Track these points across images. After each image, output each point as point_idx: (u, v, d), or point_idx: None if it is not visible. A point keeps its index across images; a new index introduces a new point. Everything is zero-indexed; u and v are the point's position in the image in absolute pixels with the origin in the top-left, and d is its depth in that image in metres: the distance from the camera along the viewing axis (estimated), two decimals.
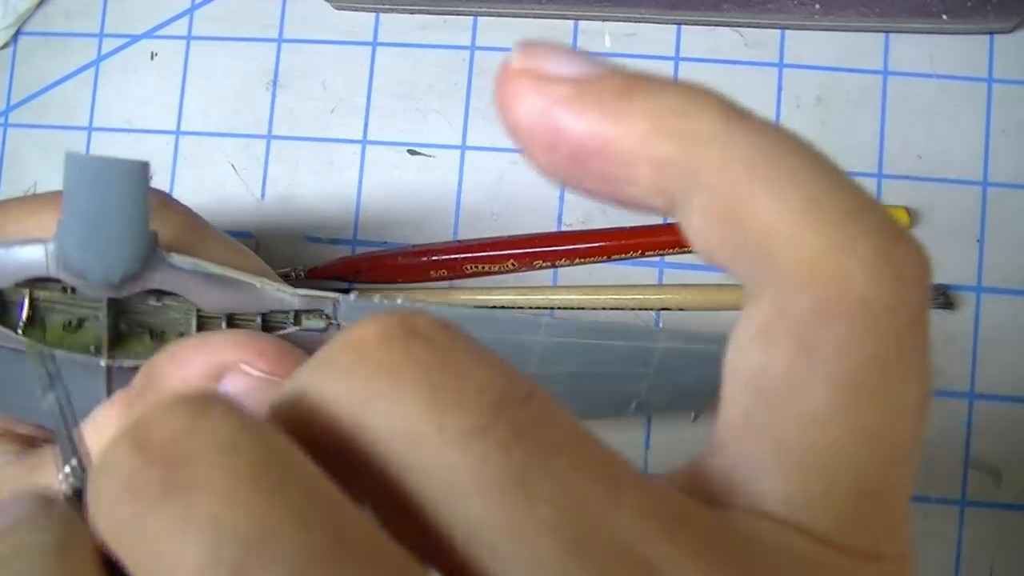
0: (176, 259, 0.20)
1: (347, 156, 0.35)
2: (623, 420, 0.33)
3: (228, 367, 0.18)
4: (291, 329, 0.21)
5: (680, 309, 0.33)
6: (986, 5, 0.31)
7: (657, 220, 0.34)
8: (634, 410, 0.27)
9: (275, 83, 0.36)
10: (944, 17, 0.32)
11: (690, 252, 0.34)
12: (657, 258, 0.34)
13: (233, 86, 0.36)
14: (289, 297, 0.21)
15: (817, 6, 0.32)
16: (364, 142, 0.35)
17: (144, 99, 0.37)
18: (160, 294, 0.21)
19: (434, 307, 0.23)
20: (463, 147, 0.35)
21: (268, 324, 0.21)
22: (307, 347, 0.20)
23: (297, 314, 0.21)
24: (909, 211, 0.33)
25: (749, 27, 0.34)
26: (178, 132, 0.36)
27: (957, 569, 0.32)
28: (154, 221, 0.20)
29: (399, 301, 0.21)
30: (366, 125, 0.36)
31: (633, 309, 0.34)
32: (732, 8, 0.33)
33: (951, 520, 0.32)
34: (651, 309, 0.34)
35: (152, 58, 0.37)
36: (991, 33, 0.33)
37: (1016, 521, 0.32)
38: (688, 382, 0.26)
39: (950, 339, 0.33)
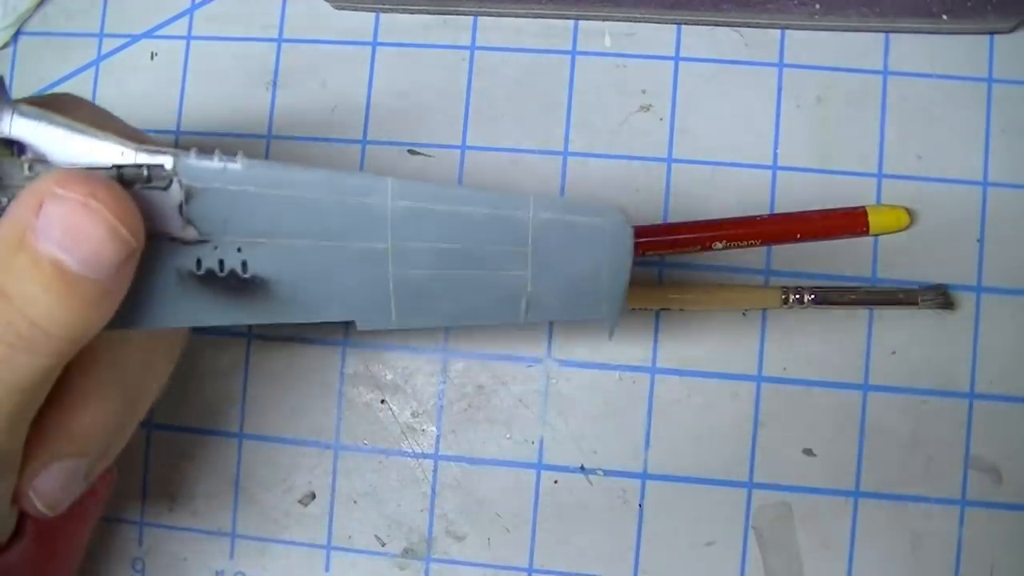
0: (24, 107, 0.20)
1: (347, 156, 0.35)
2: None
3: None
4: (138, 186, 0.21)
5: (680, 309, 0.33)
6: (986, 5, 0.31)
7: (657, 220, 0.34)
8: (527, 314, 0.23)
9: (275, 83, 0.36)
10: (944, 17, 0.32)
11: (690, 252, 0.34)
12: (657, 258, 0.34)
13: (233, 86, 0.36)
14: (133, 153, 0.20)
15: (817, 6, 0.32)
16: (364, 142, 0.35)
17: (144, 99, 0.37)
18: (13, 145, 0.21)
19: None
20: (463, 147, 0.35)
21: (123, 179, 0.21)
22: (151, 203, 0.20)
23: (144, 172, 0.21)
24: (909, 211, 0.33)
25: (749, 27, 0.34)
26: (178, 132, 0.36)
27: (957, 569, 0.32)
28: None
29: (238, 158, 0.20)
30: (366, 125, 0.36)
31: (633, 309, 0.34)
32: (732, 8, 0.33)
33: (951, 520, 0.32)
34: (651, 309, 0.34)
35: (152, 58, 0.37)
36: (991, 33, 0.33)
37: (1016, 521, 0.32)
38: (580, 272, 0.22)
39: (950, 339, 0.33)
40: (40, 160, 0.20)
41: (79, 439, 0.23)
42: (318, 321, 0.22)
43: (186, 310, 0.21)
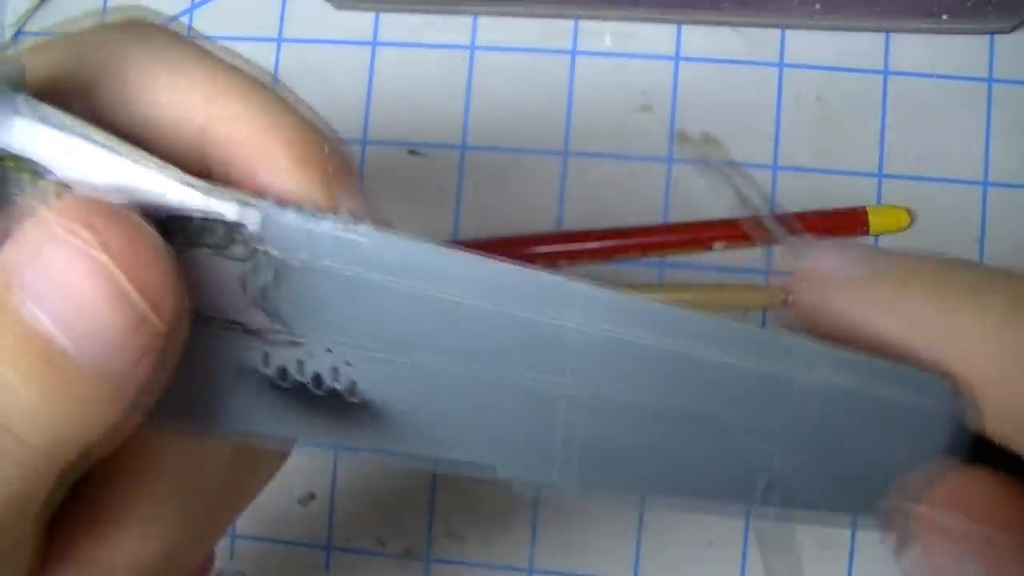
0: (34, 103, 0.14)
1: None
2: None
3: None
4: (203, 251, 0.14)
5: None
6: (986, 5, 0.31)
7: (657, 220, 0.34)
8: (763, 497, 0.16)
9: (275, 83, 0.36)
10: (944, 17, 0.32)
11: (690, 252, 0.34)
12: (657, 258, 0.34)
13: None
14: (201, 195, 0.14)
15: (817, 6, 0.32)
16: (364, 142, 0.35)
17: None
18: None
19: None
20: (463, 147, 0.35)
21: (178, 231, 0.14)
22: (217, 273, 0.14)
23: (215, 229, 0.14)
24: (909, 211, 0.33)
25: (749, 27, 0.34)
26: None
27: None
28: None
29: (362, 226, 0.14)
30: (366, 125, 0.36)
31: None
32: (732, 8, 0.33)
33: None
34: None
35: None
36: (991, 33, 0.33)
37: None
38: (863, 459, 0.16)
39: None
40: (67, 186, 0.14)
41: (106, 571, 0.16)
42: (448, 459, 0.17)
43: (265, 421, 0.15)
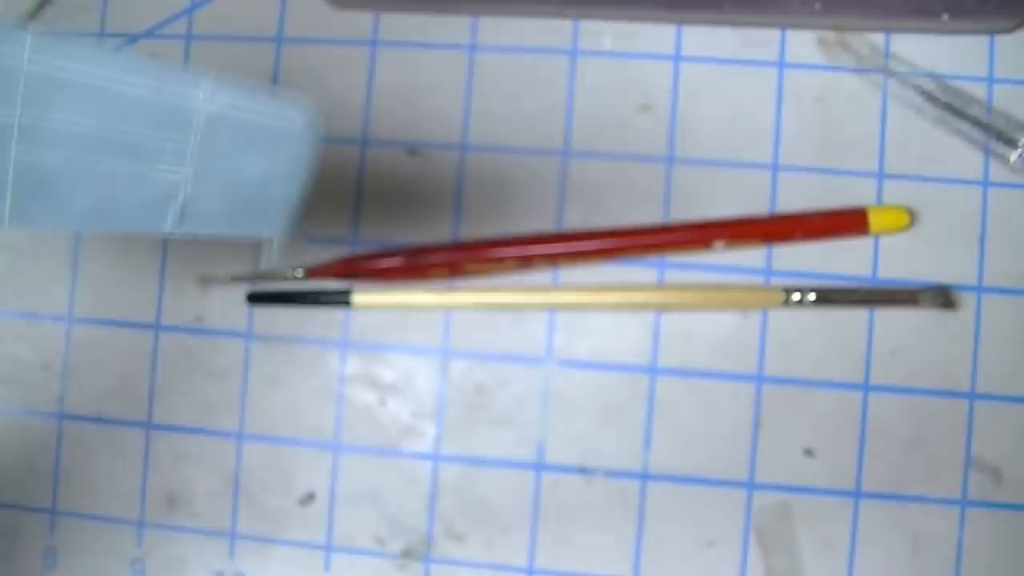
0: None
1: (347, 156, 0.35)
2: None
3: None
4: None
5: (680, 309, 0.33)
6: (986, 5, 0.31)
7: (657, 220, 0.34)
8: (176, 220, 0.19)
9: (275, 83, 0.36)
10: (944, 17, 0.32)
11: (690, 252, 0.34)
12: (657, 258, 0.34)
13: None
14: None
15: (817, 6, 0.32)
16: (364, 142, 0.35)
17: None
18: None
19: None
20: (463, 147, 0.35)
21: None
22: None
23: None
24: (909, 211, 0.33)
25: (749, 27, 0.34)
26: None
27: (957, 569, 0.32)
28: None
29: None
30: (366, 125, 0.36)
31: (633, 309, 0.34)
32: (732, 8, 0.33)
33: (951, 520, 0.32)
34: (651, 309, 0.34)
35: (152, 58, 0.37)
36: (991, 33, 0.33)
37: (1016, 521, 0.32)
38: (251, 178, 0.19)
39: (950, 339, 0.33)
40: None
41: None
42: None
43: None
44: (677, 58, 0.34)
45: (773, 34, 0.34)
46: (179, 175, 0.18)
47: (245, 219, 0.19)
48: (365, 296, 0.34)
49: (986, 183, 0.33)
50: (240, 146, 0.18)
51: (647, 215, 0.34)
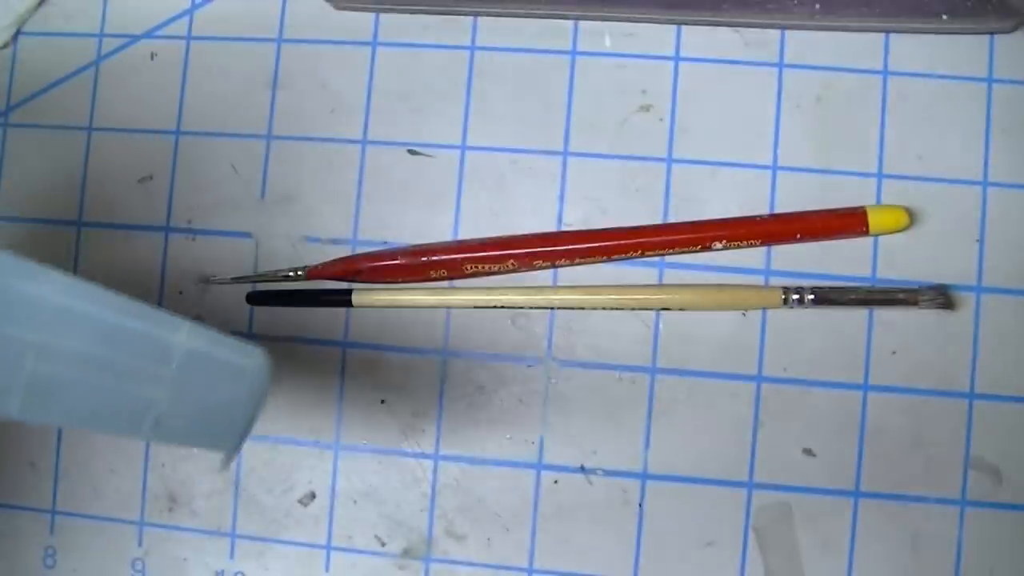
0: None
1: (347, 156, 0.35)
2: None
3: None
4: None
5: (680, 309, 0.33)
6: (986, 5, 0.31)
7: (657, 220, 0.34)
8: (151, 430, 0.23)
9: (275, 83, 0.36)
10: (944, 17, 0.32)
11: (690, 252, 0.34)
12: (657, 258, 0.34)
13: (233, 86, 0.36)
14: None
15: (817, 6, 0.32)
16: (364, 142, 0.35)
17: (144, 99, 0.37)
18: None
19: None
20: (463, 147, 0.35)
21: None
22: None
23: None
24: (909, 211, 0.33)
25: (749, 27, 0.34)
26: (178, 132, 0.36)
27: (957, 569, 0.32)
28: None
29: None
30: (366, 125, 0.36)
31: (633, 309, 0.34)
32: (732, 8, 0.33)
33: (951, 520, 0.32)
34: (651, 309, 0.34)
35: (152, 58, 0.37)
36: (991, 33, 0.33)
37: (1016, 521, 0.32)
38: (215, 403, 0.23)
39: (950, 339, 0.33)
40: None
41: None
42: None
43: None
44: (677, 58, 0.34)
45: (773, 34, 0.34)
46: (157, 395, 0.22)
47: (207, 436, 0.23)
48: (365, 296, 0.34)
49: (985, 183, 0.33)
50: (210, 377, 0.22)
51: (647, 215, 0.34)
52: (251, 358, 0.23)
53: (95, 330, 0.21)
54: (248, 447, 0.35)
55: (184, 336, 0.22)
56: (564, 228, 0.34)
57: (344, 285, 0.35)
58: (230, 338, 0.23)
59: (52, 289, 0.21)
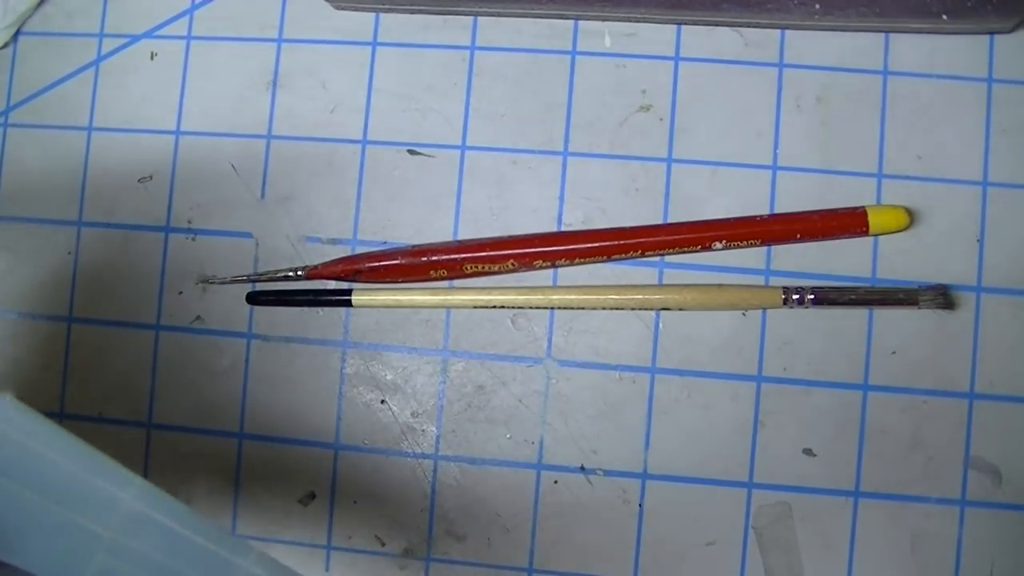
0: None
1: (347, 156, 0.35)
2: None
3: None
4: None
5: (680, 309, 0.33)
6: (986, 5, 0.31)
7: (657, 220, 0.34)
8: None
9: (275, 83, 0.36)
10: (944, 17, 0.32)
11: (690, 252, 0.34)
12: (657, 258, 0.34)
13: (233, 86, 0.36)
14: None
15: (817, 6, 0.32)
16: (364, 142, 0.35)
17: (144, 99, 0.37)
18: None
19: None
20: (463, 147, 0.35)
21: None
22: None
23: None
24: (909, 211, 0.33)
25: (749, 27, 0.34)
26: (178, 132, 0.36)
27: (957, 569, 0.32)
28: None
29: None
30: (366, 125, 0.36)
31: (633, 309, 0.34)
32: (732, 8, 0.33)
33: (951, 520, 0.32)
34: (651, 309, 0.34)
35: (152, 58, 0.37)
36: (991, 33, 0.33)
37: (1016, 521, 0.32)
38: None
39: (950, 339, 0.33)
40: None
41: None
42: None
43: None
44: (677, 58, 0.34)
45: (773, 34, 0.34)
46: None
47: None
48: (365, 296, 0.34)
49: (985, 183, 0.33)
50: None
51: (647, 215, 0.34)
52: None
53: (165, 540, 0.22)
54: (248, 447, 0.35)
55: (250, 562, 0.23)
56: (564, 228, 0.34)
57: (344, 285, 0.35)
58: (293, 572, 0.23)
59: (132, 494, 0.22)
